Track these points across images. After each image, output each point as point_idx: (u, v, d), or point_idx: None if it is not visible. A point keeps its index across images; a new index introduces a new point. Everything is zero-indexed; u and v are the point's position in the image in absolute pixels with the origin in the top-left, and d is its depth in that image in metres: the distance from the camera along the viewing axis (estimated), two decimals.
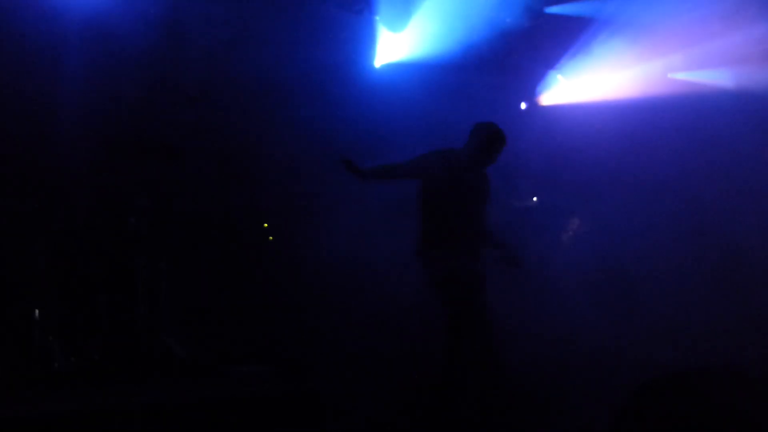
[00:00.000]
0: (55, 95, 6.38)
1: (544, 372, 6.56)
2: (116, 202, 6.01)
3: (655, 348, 7.31)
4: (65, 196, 6.09)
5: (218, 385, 5.12)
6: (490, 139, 5.63)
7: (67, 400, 4.49)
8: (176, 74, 7.04)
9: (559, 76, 9.78)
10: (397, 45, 8.76)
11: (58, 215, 5.77)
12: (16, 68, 6.21)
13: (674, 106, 8.69)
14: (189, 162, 7.01)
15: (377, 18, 8.54)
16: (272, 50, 7.63)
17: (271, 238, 8.03)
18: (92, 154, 6.10)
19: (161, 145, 5.95)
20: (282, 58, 7.75)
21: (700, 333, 7.44)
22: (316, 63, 8.02)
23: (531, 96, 10.00)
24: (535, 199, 9.57)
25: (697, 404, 3.50)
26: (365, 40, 8.54)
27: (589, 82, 9.54)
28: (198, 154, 7.18)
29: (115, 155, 5.91)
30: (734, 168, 8.19)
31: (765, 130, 8.01)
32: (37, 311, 5.16)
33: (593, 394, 5.65)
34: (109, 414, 4.25)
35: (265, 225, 8.05)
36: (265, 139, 7.89)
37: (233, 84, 7.50)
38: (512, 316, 7.85)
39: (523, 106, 10.07)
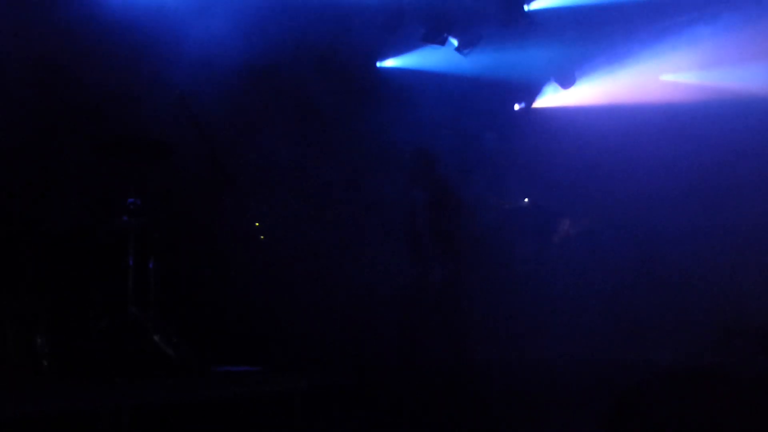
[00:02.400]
0: (46, 95, 6.36)
1: (534, 373, 6.58)
2: (107, 201, 6.00)
3: (645, 349, 7.34)
4: (56, 195, 6.07)
5: (210, 386, 5.12)
6: None
7: (56, 400, 4.48)
8: (169, 72, 7.02)
9: (551, 79, 9.79)
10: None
11: (49, 214, 5.76)
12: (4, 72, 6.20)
13: (666, 109, 8.73)
14: (180, 161, 6.99)
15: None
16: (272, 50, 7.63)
17: (262, 237, 8.02)
18: (83, 152, 6.08)
19: (152, 143, 5.93)
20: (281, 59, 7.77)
21: (689, 335, 7.47)
22: (315, 65, 8.04)
23: (524, 98, 10.02)
24: (526, 200, 9.59)
25: (685, 405, 3.52)
26: (362, 43, 8.57)
27: (580, 84, 9.57)
28: (189, 153, 7.16)
29: (106, 154, 5.89)
30: (728, 169, 8.21)
31: (756, 131, 8.05)
32: (28, 311, 5.15)
33: (584, 395, 5.66)
34: (98, 414, 4.25)
35: (257, 224, 8.04)
36: (258, 138, 7.89)
37: (228, 84, 7.50)
38: (501, 318, 7.89)
39: (516, 107, 10.09)
